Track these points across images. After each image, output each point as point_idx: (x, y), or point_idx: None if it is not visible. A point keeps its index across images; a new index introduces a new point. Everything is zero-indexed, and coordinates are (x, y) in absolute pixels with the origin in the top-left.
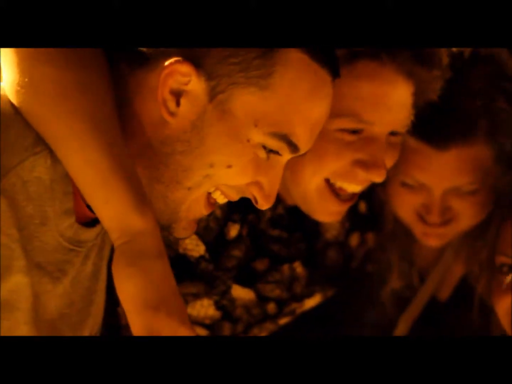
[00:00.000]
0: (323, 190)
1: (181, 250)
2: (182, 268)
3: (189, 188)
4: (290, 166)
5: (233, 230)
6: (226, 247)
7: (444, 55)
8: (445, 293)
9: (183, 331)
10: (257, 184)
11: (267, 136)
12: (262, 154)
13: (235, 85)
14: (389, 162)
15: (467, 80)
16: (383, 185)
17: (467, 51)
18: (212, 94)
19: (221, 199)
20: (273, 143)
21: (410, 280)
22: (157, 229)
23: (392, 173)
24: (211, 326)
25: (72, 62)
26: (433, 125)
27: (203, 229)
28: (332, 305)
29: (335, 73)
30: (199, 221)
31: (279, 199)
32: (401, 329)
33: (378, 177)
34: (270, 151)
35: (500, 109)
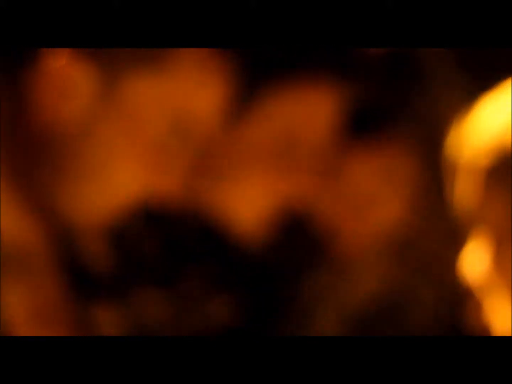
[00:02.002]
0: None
1: None
2: None
3: None
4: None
5: (143, 229)
6: (136, 245)
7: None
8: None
9: None
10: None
11: (167, 130)
12: (161, 140)
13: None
14: None
15: (381, 74)
16: None
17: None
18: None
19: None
20: (174, 136)
21: None
22: None
23: None
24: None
25: None
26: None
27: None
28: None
29: None
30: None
31: None
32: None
33: None
34: (170, 135)
35: (417, 106)
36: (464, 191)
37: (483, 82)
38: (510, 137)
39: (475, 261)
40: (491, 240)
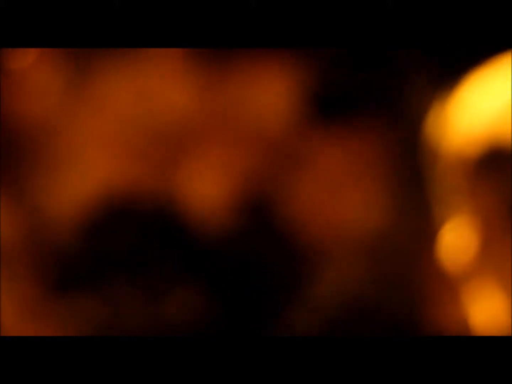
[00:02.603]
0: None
1: None
2: None
3: None
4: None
5: (112, 223)
6: (106, 239)
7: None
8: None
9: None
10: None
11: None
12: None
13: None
14: None
15: (353, 75)
16: None
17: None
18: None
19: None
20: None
21: None
22: None
23: None
24: (97, 325)
25: None
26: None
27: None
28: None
29: None
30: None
31: None
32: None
33: None
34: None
35: (389, 94)
36: (447, 179)
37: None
38: (497, 125)
39: (457, 252)
40: (476, 229)
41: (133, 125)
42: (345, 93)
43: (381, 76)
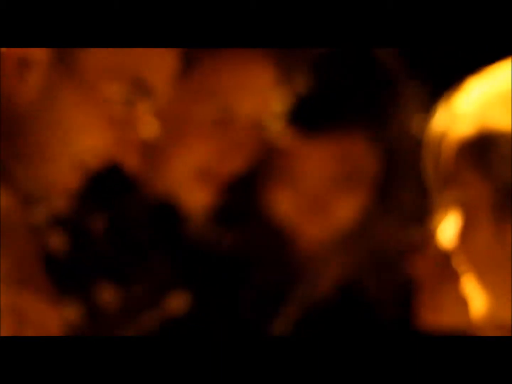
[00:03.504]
0: (193, 177)
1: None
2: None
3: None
4: (156, 155)
5: (98, 223)
6: (92, 241)
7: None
8: (325, 294)
9: (51, 314)
10: (121, 143)
11: (121, 86)
12: (119, 107)
13: None
14: (255, 147)
15: (346, 71)
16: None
17: (338, 49)
18: (59, 57)
19: (90, 167)
20: (129, 92)
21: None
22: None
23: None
24: (78, 328)
25: None
26: (308, 116)
27: (66, 223)
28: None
29: None
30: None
31: (144, 190)
32: (277, 330)
33: (244, 162)
34: (126, 102)
35: (376, 100)
36: (437, 173)
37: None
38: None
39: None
40: (463, 222)
41: (123, 101)
42: (332, 95)
43: (368, 78)
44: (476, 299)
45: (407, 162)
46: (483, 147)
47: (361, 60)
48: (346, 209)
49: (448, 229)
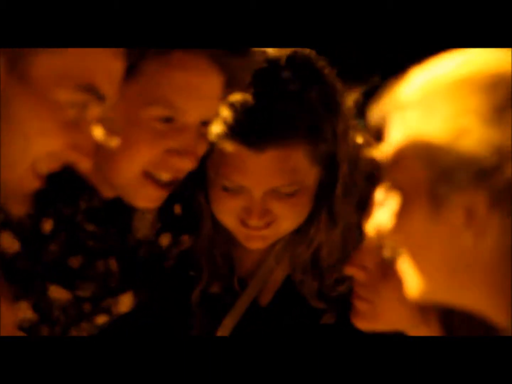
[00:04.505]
0: (141, 178)
1: None
2: None
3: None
4: (106, 157)
5: (47, 225)
6: (42, 243)
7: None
8: (266, 298)
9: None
10: (74, 146)
11: (72, 92)
12: (71, 112)
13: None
14: (201, 151)
15: (284, 84)
16: (203, 189)
17: (283, 53)
18: (12, 64)
19: (45, 170)
20: (80, 97)
21: (231, 285)
22: None
23: (213, 177)
24: (29, 329)
25: None
26: (249, 128)
27: (17, 225)
28: (148, 308)
29: None
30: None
31: (95, 191)
32: (222, 333)
33: (190, 164)
34: (78, 106)
35: (316, 113)
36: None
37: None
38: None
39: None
40: (401, 205)
41: (72, 103)
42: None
43: (308, 89)
44: (411, 279)
45: (347, 170)
46: (424, 135)
47: (298, 70)
48: (291, 218)
49: (386, 210)
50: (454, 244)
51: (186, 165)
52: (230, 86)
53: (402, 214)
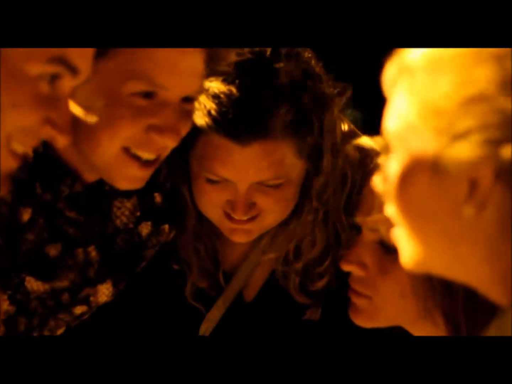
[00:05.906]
0: (122, 156)
1: None
2: None
3: None
4: (85, 135)
5: (26, 214)
6: (19, 232)
7: None
8: (251, 294)
9: None
10: (49, 121)
11: (44, 64)
12: (44, 86)
13: None
14: (184, 129)
15: (270, 76)
16: (186, 181)
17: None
18: None
19: (21, 148)
20: (52, 69)
21: (215, 279)
22: None
23: (196, 170)
24: (6, 321)
25: None
26: (234, 120)
27: None
28: (128, 300)
29: None
30: None
31: (77, 176)
32: (205, 328)
33: (172, 142)
34: (51, 79)
35: (302, 106)
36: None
37: None
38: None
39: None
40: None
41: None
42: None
43: (294, 84)
44: (408, 247)
45: (331, 162)
46: (432, 101)
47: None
48: (276, 211)
49: (388, 176)
50: (455, 215)
51: (168, 142)
52: (211, 62)
53: (406, 179)
